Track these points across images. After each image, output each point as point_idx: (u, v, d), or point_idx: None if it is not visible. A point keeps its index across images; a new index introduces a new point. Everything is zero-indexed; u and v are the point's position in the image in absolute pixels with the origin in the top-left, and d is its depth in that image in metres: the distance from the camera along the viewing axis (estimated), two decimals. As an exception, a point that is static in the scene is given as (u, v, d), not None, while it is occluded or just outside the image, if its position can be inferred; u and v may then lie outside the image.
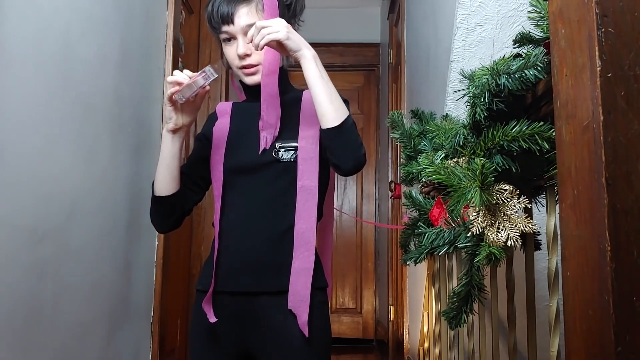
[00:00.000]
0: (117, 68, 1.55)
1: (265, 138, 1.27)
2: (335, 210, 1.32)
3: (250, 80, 1.30)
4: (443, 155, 1.24)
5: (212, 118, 1.38)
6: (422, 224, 1.41)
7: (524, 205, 1.02)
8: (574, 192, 0.73)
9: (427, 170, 1.11)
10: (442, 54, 2.03)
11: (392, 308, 3.56)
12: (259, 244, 1.23)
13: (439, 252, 1.30)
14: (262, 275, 1.23)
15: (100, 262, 1.44)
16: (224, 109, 1.38)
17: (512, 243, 0.99)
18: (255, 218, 1.25)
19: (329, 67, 4.68)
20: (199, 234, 2.77)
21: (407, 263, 1.49)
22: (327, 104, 1.18)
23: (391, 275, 3.64)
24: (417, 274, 2.54)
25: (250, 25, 1.22)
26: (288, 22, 1.25)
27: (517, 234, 0.99)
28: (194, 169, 1.34)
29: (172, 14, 1.93)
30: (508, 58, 0.99)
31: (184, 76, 1.17)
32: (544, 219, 1.03)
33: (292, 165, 1.25)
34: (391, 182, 3.23)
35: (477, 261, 1.06)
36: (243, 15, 1.25)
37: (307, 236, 1.24)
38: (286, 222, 1.24)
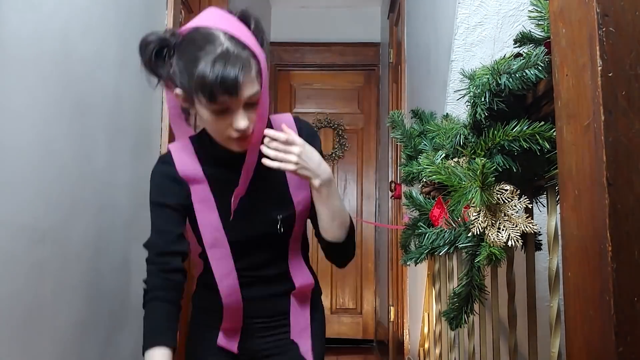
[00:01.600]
0: (117, 67, 1.55)
1: (234, 203, 1.20)
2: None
3: (239, 148, 1.17)
4: (443, 155, 1.24)
5: (174, 182, 1.23)
6: (422, 224, 1.41)
7: (524, 206, 1.02)
8: (574, 192, 0.73)
9: (428, 170, 1.11)
10: (443, 54, 2.03)
11: (392, 308, 3.56)
12: (265, 304, 1.29)
13: (440, 252, 1.30)
14: (269, 309, 1.30)
15: (100, 262, 1.44)
16: (190, 173, 1.24)
17: (513, 243, 0.99)
18: (260, 280, 1.28)
19: (329, 67, 4.69)
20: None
21: (408, 263, 1.49)
22: (329, 224, 1.20)
23: (391, 275, 3.64)
24: (418, 275, 2.54)
25: (251, 96, 1.10)
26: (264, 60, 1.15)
27: (518, 234, 0.99)
28: (174, 222, 1.24)
29: (171, 14, 1.93)
30: (509, 57, 0.99)
31: None
32: (545, 219, 1.03)
33: (289, 232, 1.27)
34: (391, 182, 3.23)
35: (478, 261, 1.06)
36: (249, 85, 1.09)
37: (304, 288, 1.32)
38: (284, 265, 1.29)
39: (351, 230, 1.25)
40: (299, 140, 1.12)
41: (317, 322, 1.35)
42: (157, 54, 1.14)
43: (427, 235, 1.32)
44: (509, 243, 0.99)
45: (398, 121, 1.58)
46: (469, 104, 1.05)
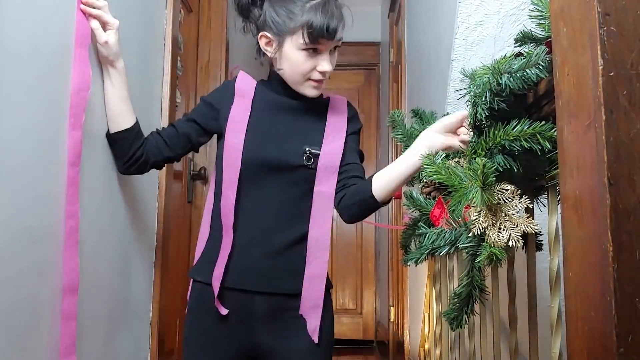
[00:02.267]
0: (116, 67, 1.55)
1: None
2: (335, 210, 1.34)
3: (313, 93, 1.32)
4: (444, 155, 1.24)
5: (228, 90, 1.38)
6: (422, 225, 1.41)
7: (525, 205, 1.02)
8: (575, 192, 0.73)
9: (428, 170, 1.11)
10: (443, 53, 2.03)
11: (392, 309, 3.56)
12: (276, 247, 1.26)
13: (440, 252, 1.30)
14: (276, 278, 1.26)
15: (99, 262, 1.44)
16: (244, 88, 1.38)
17: (514, 243, 0.99)
18: (274, 219, 1.28)
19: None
20: (198, 235, 2.77)
21: (408, 264, 1.49)
22: (397, 187, 1.25)
23: (392, 276, 3.64)
24: (418, 275, 2.54)
25: (340, 40, 1.29)
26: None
27: (519, 234, 0.99)
28: (183, 127, 1.38)
29: (170, 13, 1.93)
30: (509, 57, 0.99)
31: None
32: (546, 219, 1.03)
33: (314, 172, 1.29)
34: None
35: (478, 262, 1.06)
36: (340, 31, 1.28)
37: (321, 242, 1.28)
38: (303, 227, 1.28)
39: None
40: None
41: (328, 306, 1.32)
42: (252, 2, 1.32)
43: (427, 235, 1.32)
44: (510, 243, 0.99)
45: (398, 121, 1.58)
46: (470, 103, 1.05)
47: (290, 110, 1.36)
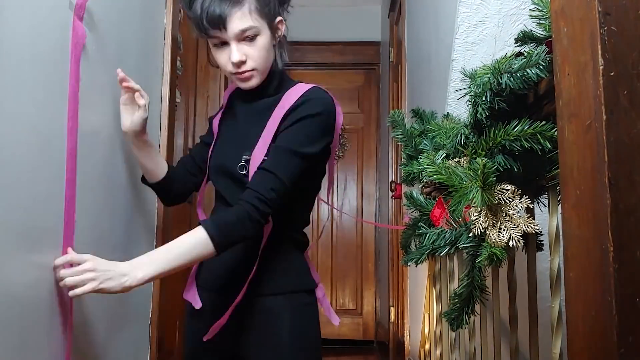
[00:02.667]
0: (114, 66, 1.55)
1: None
2: (335, 210, 1.35)
3: (245, 85, 1.25)
4: (444, 155, 1.24)
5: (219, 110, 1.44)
6: (423, 225, 1.41)
7: (525, 206, 1.02)
8: (576, 192, 0.73)
9: (428, 170, 1.11)
10: (443, 53, 2.03)
11: (392, 309, 3.56)
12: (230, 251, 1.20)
13: (440, 252, 1.30)
14: (232, 278, 1.26)
15: (98, 262, 1.44)
16: (224, 101, 1.43)
17: (514, 243, 0.99)
18: None
19: (329, 66, 4.70)
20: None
21: (408, 264, 1.49)
22: (188, 265, 1.17)
23: (392, 276, 3.64)
24: (418, 275, 2.54)
25: (244, 31, 1.18)
26: (275, 7, 1.29)
27: (519, 234, 0.99)
28: (197, 152, 1.43)
29: (170, 12, 1.93)
30: (510, 57, 0.99)
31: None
32: (546, 219, 1.03)
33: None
34: (392, 182, 3.23)
35: (479, 262, 1.06)
36: (236, 20, 1.17)
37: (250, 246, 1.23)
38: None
39: (221, 238, 1.14)
40: (85, 256, 1.09)
41: (300, 307, 1.25)
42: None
43: (427, 235, 1.32)
44: (510, 243, 0.99)
45: (398, 121, 1.58)
46: (470, 103, 1.05)
47: (245, 113, 1.31)
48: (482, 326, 1.36)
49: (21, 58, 1.09)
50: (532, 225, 0.99)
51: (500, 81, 0.97)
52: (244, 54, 1.20)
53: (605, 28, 0.67)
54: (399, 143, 1.56)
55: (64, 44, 1.24)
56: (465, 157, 1.13)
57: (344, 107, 5.37)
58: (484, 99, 1.00)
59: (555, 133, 0.88)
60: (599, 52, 0.67)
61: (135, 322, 1.72)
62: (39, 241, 1.15)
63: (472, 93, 1.03)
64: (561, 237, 0.81)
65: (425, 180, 1.44)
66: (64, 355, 1.21)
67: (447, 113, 1.72)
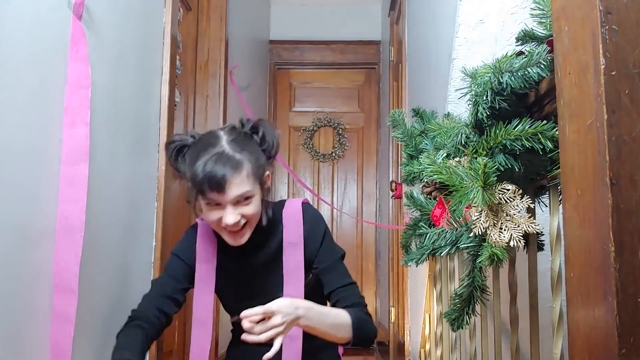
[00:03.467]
0: (114, 65, 1.55)
1: None
2: (335, 210, 1.36)
3: (236, 243, 1.32)
4: (445, 154, 1.24)
5: (192, 250, 1.44)
6: (423, 224, 1.41)
7: (526, 205, 1.02)
8: (577, 192, 0.73)
9: (429, 170, 1.11)
10: (444, 52, 2.03)
11: (393, 309, 3.56)
12: None
13: (441, 252, 1.30)
14: None
15: (97, 262, 1.44)
16: (204, 252, 1.43)
17: (515, 243, 0.99)
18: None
19: (329, 65, 4.69)
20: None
21: (409, 264, 1.49)
22: (331, 337, 1.31)
23: (392, 276, 3.64)
24: (419, 275, 2.54)
25: (241, 195, 1.24)
26: (264, 166, 1.32)
27: (520, 234, 0.99)
28: (171, 285, 1.41)
29: (169, 11, 1.93)
30: (510, 56, 0.99)
31: None
32: (547, 219, 1.03)
33: None
34: (392, 181, 3.23)
35: (480, 262, 1.06)
36: (235, 186, 1.23)
37: None
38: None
39: (361, 323, 1.34)
40: (273, 307, 1.18)
41: None
42: (177, 153, 1.33)
43: (428, 235, 1.32)
44: (511, 243, 0.99)
45: (399, 120, 1.58)
46: (471, 102, 1.05)
47: (250, 264, 1.41)
48: (483, 327, 1.35)
49: (19, 57, 1.09)
50: (533, 225, 0.99)
51: (501, 80, 0.96)
52: (239, 214, 1.27)
53: (607, 27, 0.67)
54: (399, 142, 1.56)
55: (63, 43, 1.24)
56: (465, 157, 1.12)
57: (344, 106, 5.39)
58: (484, 98, 0.99)
59: (556, 132, 0.88)
60: (600, 51, 0.67)
61: (134, 323, 1.71)
62: (36, 241, 1.15)
63: (473, 92, 1.03)
64: (562, 237, 0.81)
65: (425, 180, 1.44)
66: (64, 355, 1.21)
67: (448, 112, 1.72)
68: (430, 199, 1.47)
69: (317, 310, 1.26)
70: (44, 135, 1.17)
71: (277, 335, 1.16)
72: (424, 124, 1.55)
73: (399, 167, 2.76)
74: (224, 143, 1.26)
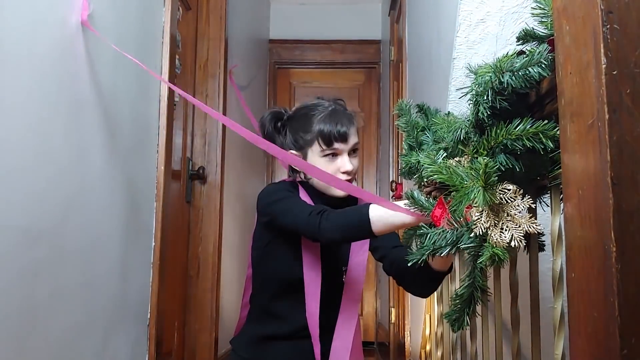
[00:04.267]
0: (113, 65, 1.55)
1: None
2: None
3: (340, 193, 1.48)
4: (445, 154, 1.23)
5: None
6: (423, 225, 1.41)
7: (527, 205, 1.02)
8: (578, 192, 0.73)
9: (429, 169, 1.10)
10: (444, 51, 2.03)
11: (393, 310, 3.56)
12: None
13: (441, 253, 1.30)
14: None
15: (96, 263, 1.44)
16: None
17: (516, 244, 0.99)
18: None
19: (329, 65, 4.70)
20: (197, 235, 2.78)
21: (409, 264, 1.48)
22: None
23: (392, 276, 3.63)
24: (419, 276, 2.53)
25: (355, 144, 1.49)
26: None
27: (521, 234, 0.99)
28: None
29: (168, 10, 1.93)
30: (511, 55, 0.99)
31: None
32: (548, 219, 1.03)
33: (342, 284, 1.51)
34: (392, 181, 3.23)
35: (480, 262, 1.06)
36: (353, 135, 1.48)
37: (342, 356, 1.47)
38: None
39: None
40: None
41: None
42: (274, 126, 1.54)
43: (428, 235, 1.32)
44: (512, 243, 0.99)
45: (405, 110, 1.57)
46: (471, 102, 1.05)
47: None
48: (484, 327, 1.35)
49: (19, 57, 1.09)
50: (534, 226, 0.99)
51: (502, 80, 0.96)
52: (351, 164, 1.47)
53: (608, 26, 0.67)
54: (402, 132, 1.56)
55: (63, 41, 1.24)
56: (466, 157, 1.12)
57: (344, 105, 5.23)
58: (485, 97, 0.99)
59: (557, 132, 0.88)
60: (602, 50, 0.66)
61: (133, 323, 1.72)
62: (35, 242, 1.15)
63: (474, 92, 1.03)
64: (563, 237, 0.81)
65: (425, 180, 1.44)
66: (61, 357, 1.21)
67: (449, 112, 1.71)
68: (430, 199, 1.47)
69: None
70: (43, 134, 1.17)
71: None
72: (427, 120, 1.55)
73: (400, 163, 2.76)
74: (328, 104, 1.52)
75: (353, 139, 1.47)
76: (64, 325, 1.27)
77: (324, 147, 1.45)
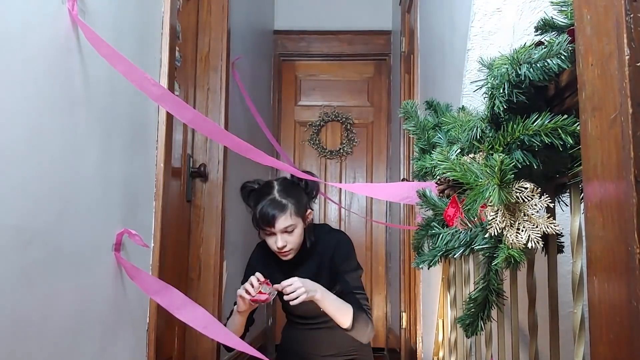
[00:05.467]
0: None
1: None
2: (343, 210, 1.39)
3: (285, 259, 2.09)
4: (459, 150, 1.23)
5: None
6: (436, 225, 1.41)
7: (545, 205, 1.02)
8: (600, 191, 0.72)
9: (442, 166, 1.10)
10: (458, 42, 2.02)
11: (404, 315, 3.56)
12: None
13: (454, 254, 1.30)
14: None
15: (93, 264, 1.45)
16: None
17: (533, 245, 0.99)
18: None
19: (336, 57, 4.70)
20: (198, 235, 2.78)
21: (421, 266, 1.49)
22: (336, 317, 1.98)
23: (403, 279, 3.64)
24: (431, 278, 2.54)
25: (286, 228, 2.00)
26: (306, 205, 2.10)
27: (539, 235, 0.99)
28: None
29: (168, 2, 1.93)
30: (529, 46, 0.99)
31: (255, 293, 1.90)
32: (568, 219, 1.02)
33: None
34: (403, 179, 3.22)
35: (495, 264, 1.05)
36: (281, 221, 1.99)
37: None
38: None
39: (358, 317, 1.99)
40: (304, 281, 1.92)
41: None
42: (248, 194, 2.10)
43: (441, 236, 1.32)
44: (529, 245, 0.99)
45: (411, 112, 1.57)
46: (487, 95, 1.05)
47: (298, 274, 2.03)
48: (500, 333, 1.35)
49: (12, 52, 1.09)
50: (552, 226, 0.99)
51: (519, 72, 0.96)
52: (285, 241, 2.01)
53: (632, 15, 0.66)
54: (411, 136, 1.56)
55: (57, 35, 1.25)
56: (481, 153, 1.12)
57: (352, 100, 5.41)
58: (501, 91, 0.99)
59: (578, 127, 0.87)
60: (625, 41, 0.66)
61: (132, 327, 1.72)
62: (29, 242, 1.15)
63: (489, 85, 1.03)
64: (584, 238, 0.80)
65: (438, 178, 1.44)
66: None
67: (462, 106, 1.71)
68: (443, 197, 1.47)
69: (331, 295, 1.97)
70: (38, 130, 1.18)
71: (300, 294, 1.86)
72: (437, 117, 1.55)
73: (411, 163, 2.76)
74: (275, 192, 2.02)
75: (281, 224, 1.99)
76: (59, 330, 1.28)
77: (257, 228, 2.05)
